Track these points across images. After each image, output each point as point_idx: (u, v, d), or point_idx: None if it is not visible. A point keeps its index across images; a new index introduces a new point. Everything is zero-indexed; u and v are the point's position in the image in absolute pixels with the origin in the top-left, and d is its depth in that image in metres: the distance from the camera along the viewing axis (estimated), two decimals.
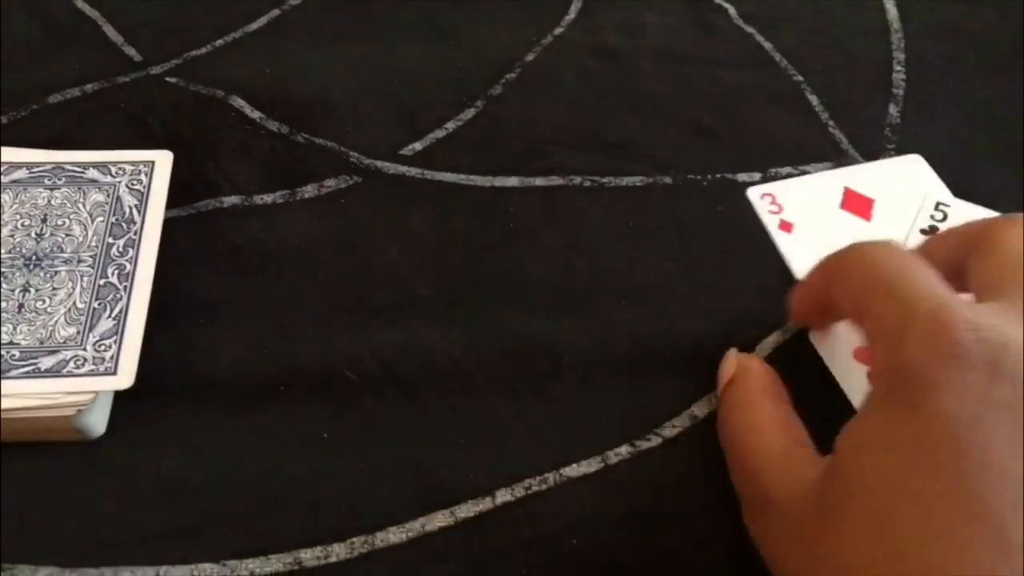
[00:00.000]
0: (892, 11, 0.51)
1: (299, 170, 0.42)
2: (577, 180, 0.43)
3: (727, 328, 0.39)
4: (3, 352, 0.33)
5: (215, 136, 0.43)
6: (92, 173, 0.39)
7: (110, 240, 0.37)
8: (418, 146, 0.44)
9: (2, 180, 0.38)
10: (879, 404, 0.26)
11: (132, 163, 0.39)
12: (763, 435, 0.31)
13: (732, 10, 0.51)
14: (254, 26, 0.49)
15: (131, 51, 0.47)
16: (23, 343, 0.34)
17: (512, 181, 0.43)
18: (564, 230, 0.41)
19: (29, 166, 0.39)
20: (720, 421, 0.34)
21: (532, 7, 0.52)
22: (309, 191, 0.42)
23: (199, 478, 0.33)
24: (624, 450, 0.35)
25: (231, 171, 0.42)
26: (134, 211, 0.38)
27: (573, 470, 0.34)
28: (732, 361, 0.35)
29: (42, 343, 0.34)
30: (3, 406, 0.32)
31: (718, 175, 0.44)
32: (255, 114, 0.44)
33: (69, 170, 0.39)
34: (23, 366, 0.33)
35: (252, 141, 0.43)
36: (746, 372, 0.34)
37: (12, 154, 0.39)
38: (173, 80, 0.45)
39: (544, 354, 0.37)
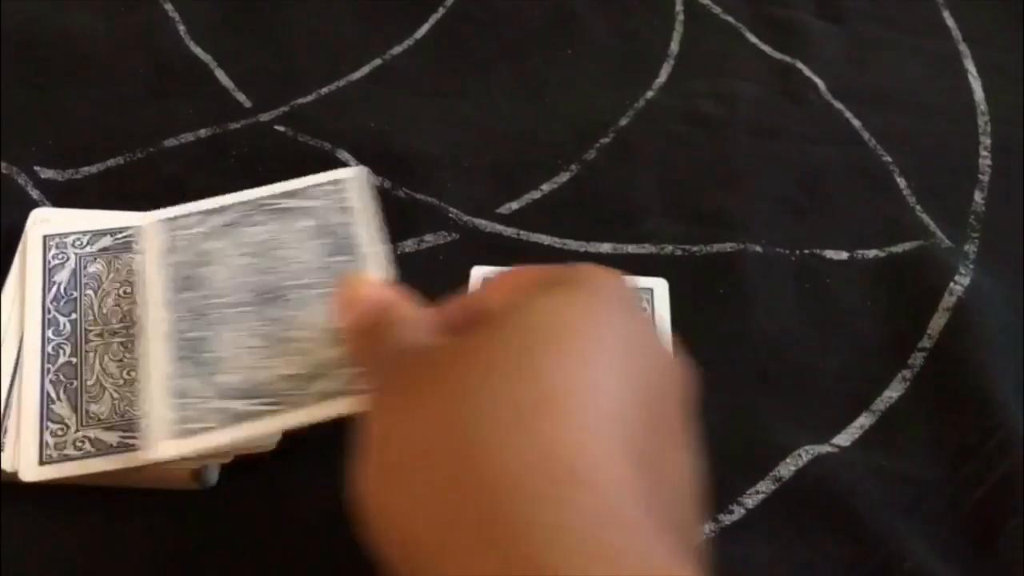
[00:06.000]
0: (979, 92, 0.52)
1: (400, 225, 0.44)
2: (669, 248, 0.44)
3: (808, 408, 0.40)
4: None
5: None
6: (290, 203, 0.39)
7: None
8: (514, 206, 0.45)
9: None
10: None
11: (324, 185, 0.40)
12: None
13: (821, 85, 0.52)
14: (357, 75, 0.50)
15: (241, 97, 0.48)
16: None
17: (605, 247, 0.44)
18: None
19: (221, 209, 0.39)
20: None
21: (622, 67, 0.53)
22: (409, 246, 0.43)
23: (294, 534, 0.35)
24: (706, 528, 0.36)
25: None
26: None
27: None
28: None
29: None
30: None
31: (806, 251, 0.45)
32: None
33: (267, 204, 0.39)
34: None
35: None
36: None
37: (188, 207, 0.39)
38: (281, 129, 0.47)
39: None
